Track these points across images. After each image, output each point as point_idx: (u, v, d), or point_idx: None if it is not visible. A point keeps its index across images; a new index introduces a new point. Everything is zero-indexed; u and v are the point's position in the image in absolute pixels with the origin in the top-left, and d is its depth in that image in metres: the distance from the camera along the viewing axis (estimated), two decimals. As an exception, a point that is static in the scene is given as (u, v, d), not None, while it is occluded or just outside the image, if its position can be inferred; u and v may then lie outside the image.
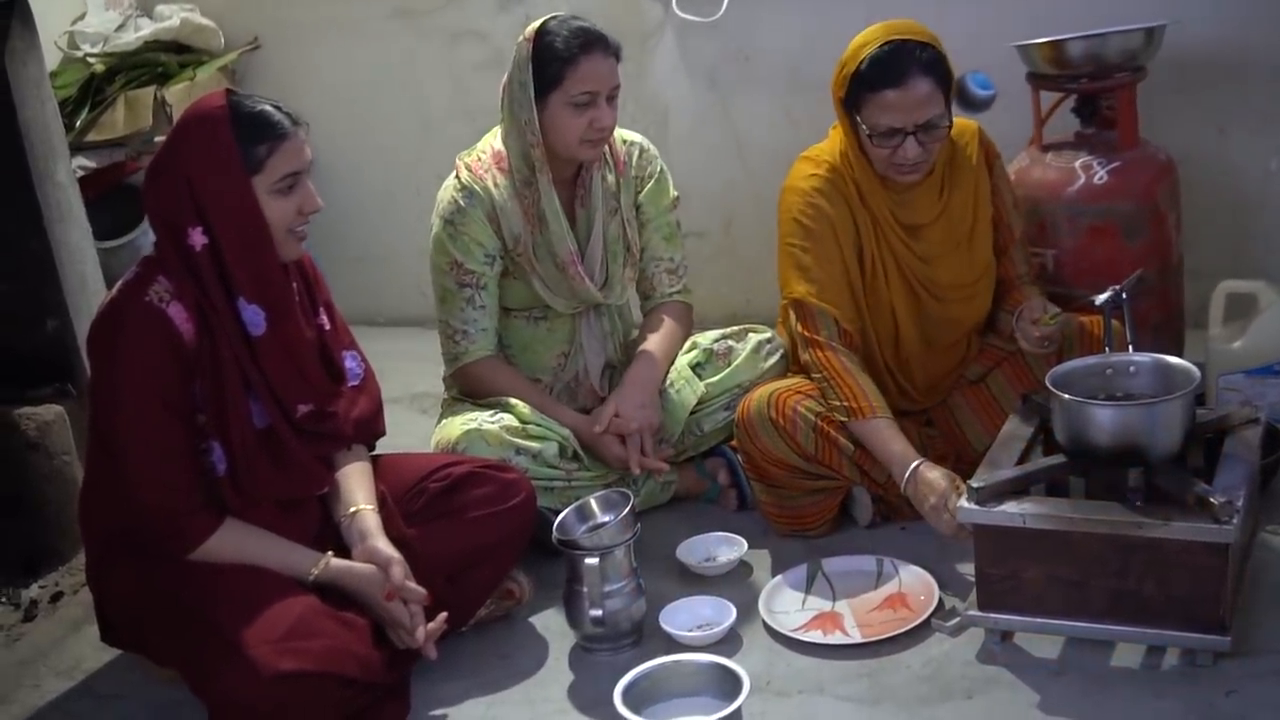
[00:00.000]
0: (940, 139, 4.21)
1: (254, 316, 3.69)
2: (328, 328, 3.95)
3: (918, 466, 4.05)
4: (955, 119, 4.26)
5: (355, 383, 4.02)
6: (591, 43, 4.35)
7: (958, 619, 3.77)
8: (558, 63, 4.33)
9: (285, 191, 3.68)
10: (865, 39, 4.19)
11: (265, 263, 3.69)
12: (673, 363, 4.65)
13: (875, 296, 4.38)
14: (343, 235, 6.41)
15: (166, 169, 3.68)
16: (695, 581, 4.25)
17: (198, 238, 3.62)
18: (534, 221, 4.49)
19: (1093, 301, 4.01)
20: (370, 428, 4.07)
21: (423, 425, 4.99)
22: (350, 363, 4.02)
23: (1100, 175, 4.64)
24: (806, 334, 4.30)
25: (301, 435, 3.83)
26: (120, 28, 6.28)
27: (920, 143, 4.15)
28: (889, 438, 4.14)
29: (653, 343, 4.62)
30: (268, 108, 3.68)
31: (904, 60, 4.12)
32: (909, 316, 4.40)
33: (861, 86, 4.16)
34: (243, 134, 3.62)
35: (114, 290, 3.73)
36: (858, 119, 4.20)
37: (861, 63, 4.15)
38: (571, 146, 4.40)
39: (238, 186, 3.63)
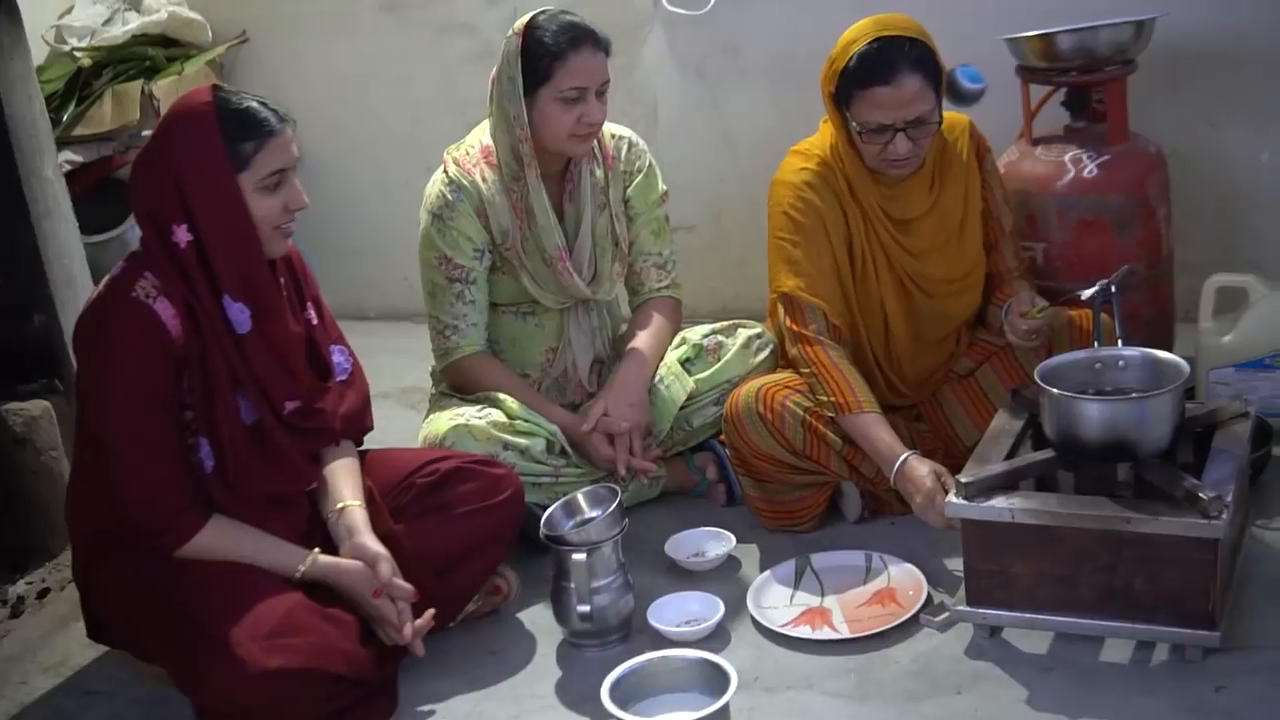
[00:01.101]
0: (930, 134, 4.20)
1: (239, 314, 3.67)
2: (315, 323, 3.93)
3: (905, 460, 4.04)
4: (946, 113, 4.25)
5: (343, 378, 4.02)
6: (581, 38, 4.33)
7: (946, 614, 3.77)
8: (547, 58, 4.32)
9: (271, 189, 3.66)
10: (854, 35, 4.18)
11: (250, 260, 3.67)
12: (662, 359, 4.63)
13: (865, 291, 4.37)
14: (331, 229, 6.40)
15: (152, 165, 3.66)
16: (683, 577, 4.25)
17: (182, 234, 3.61)
18: (522, 216, 4.48)
19: (1080, 296, 4.01)
20: (358, 423, 4.07)
21: (411, 420, 4.98)
22: (338, 358, 4.01)
23: (1090, 169, 4.64)
24: (795, 328, 4.29)
25: (290, 431, 3.82)
26: (107, 22, 6.26)
27: (910, 139, 4.14)
28: (877, 433, 4.13)
29: (642, 340, 4.61)
30: (254, 104, 3.66)
31: (893, 57, 4.11)
32: (899, 311, 4.39)
33: (851, 83, 4.15)
34: (229, 131, 3.61)
35: (100, 286, 3.72)
36: (847, 115, 4.19)
37: (850, 59, 4.14)
38: (561, 141, 4.39)
39: (224, 183, 3.61)
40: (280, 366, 3.76)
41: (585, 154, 4.50)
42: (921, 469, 4.00)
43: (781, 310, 4.34)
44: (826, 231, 4.30)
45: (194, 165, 3.60)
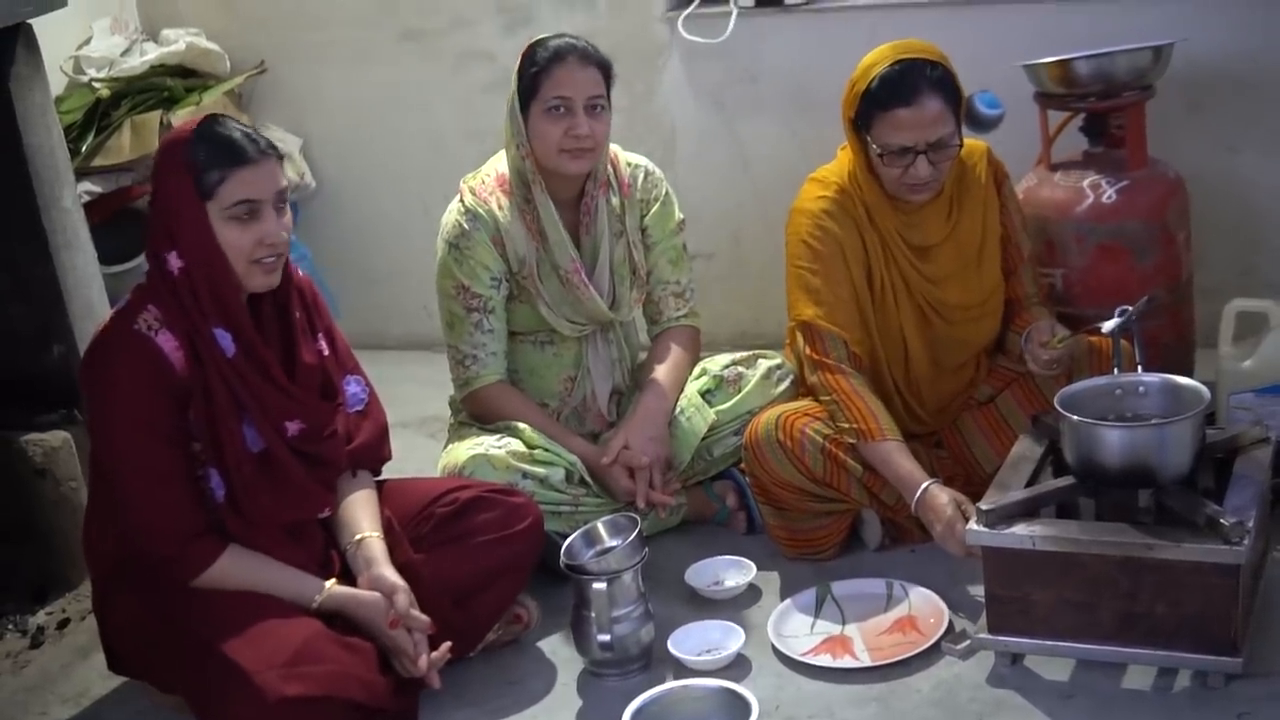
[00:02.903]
0: (951, 157, 4.20)
1: (223, 338, 3.69)
2: (327, 353, 3.94)
3: (927, 488, 4.03)
4: (964, 139, 4.25)
5: (359, 408, 4.02)
6: (566, 51, 4.38)
7: (968, 642, 3.76)
8: (535, 69, 4.38)
9: (242, 220, 3.65)
10: (875, 58, 4.19)
11: (225, 289, 3.69)
12: (682, 390, 4.63)
13: (884, 318, 4.37)
14: (350, 257, 6.41)
15: (149, 193, 3.74)
16: (704, 605, 4.24)
17: (174, 262, 3.64)
18: (538, 239, 4.48)
19: (1101, 329, 4.00)
20: (375, 453, 4.08)
21: (431, 449, 4.97)
22: (354, 388, 4.01)
23: (1109, 194, 4.63)
24: (815, 356, 4.28)
25: (298, 456, 3.82)
26: (126, 52, 6.26)
27: (931, 162, 4.14)
28: (898, 460, 4.13)
29: (661, 372, 4.61)
30: (236, 134, 3.67)
31: (915, 79, 4.12)
32: (918, 338, 4.39)
33: (872, 105, 4.16)
34: (199, 158, 3.63)
35: (105, 319, 3.75)
36: (868, 139, 4.19)
37: (872, 81, 4.15)
38: (551, 156, 4.40)
39: (192, 212, 3.63)
40: (271, 385, 3.76)
41: (582, 172, 4.48)
42: (942, 497, 3.99)
43: (800, 338, 4.33)
44: (845, 259, 4.30)
45: (169, 192, 3.67)
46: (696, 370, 4.71)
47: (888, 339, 4.39)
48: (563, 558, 3.99)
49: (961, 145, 4.23)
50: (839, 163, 4.40)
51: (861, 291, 4.34)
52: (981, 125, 4.36)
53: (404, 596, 3.75)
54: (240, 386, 3.70)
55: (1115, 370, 3.95)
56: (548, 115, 4.37)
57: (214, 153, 3.63)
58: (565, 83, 4.36)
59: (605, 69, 4.44)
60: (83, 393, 3.78)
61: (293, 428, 3.81)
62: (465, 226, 4.48)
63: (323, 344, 3.93)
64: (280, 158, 3.76)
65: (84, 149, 5.84)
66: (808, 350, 4.31)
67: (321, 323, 3.97)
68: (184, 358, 3.65)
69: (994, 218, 4.41)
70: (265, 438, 3.76)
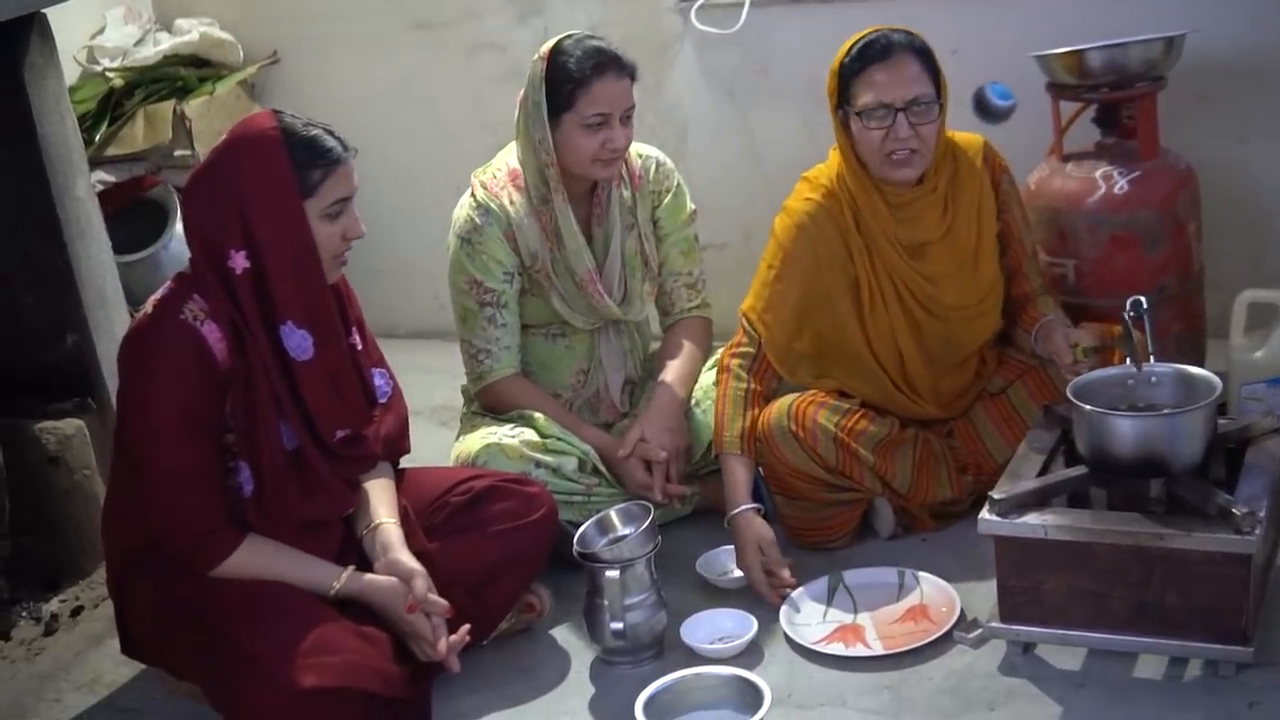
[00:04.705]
0: (931, 120, 4.17)
1: (302, 341, 3.69)
2: (359, 347, 3.94)
3: (744, 512, 4.20)
4: (961, 134, 4.28)
5: (383, 400, 4.02)
6: (604, 64, 4.35)
7: (979, 631, 3.77)
8: (570, 84, 4.33)
9: (333, 217, 3.71)
10: (852, 38, 4.25)
11: (315, 286, 3.71)
12: (696, 380, 4.64)
13: (874, 321, 4.36)
14: (361, 248, 6.29)
15: (212, 189, 3.68)
16: (716, 594, 4.24)
17: (240, 261, 3.62)
18: (552, 239, 4.49)
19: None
20: (396, 445, 4.08)
21: (443, 438, 4.98)
22: (379, 380, 4.01)
23: (1121, 185, 4.63)
24: (730, 349, 4.41)
25: (331, 458, 3.83)
26: (139, 42, 6.28)
27: (911, 124, 4.13)
28: (733, 470, 4.28)
29: (674, 364, 4.63)
30: (320, 132, 3.70)
31: (889, 42, 4.18)
32: (910, 340, 4.37)
33: (849, 72, 4.20)
34: (298, 157, 3.63)
35: (147, 306, 3.73)
36: (850, 115, 4.20)
37: (849, 52, 4.21)
38: (584, 165, 4.40)
39: (291, 210, 3.64)
40: (335, 396, 3.78)
41: (611, 177, 4.50)
42: (749, 532, 4.16)
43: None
44: (817, 263, 4.33)
45: (261, 191, 3.62)
46: (710, 361, 4.70)
47: (880, 341, 4.38)
48: (575, 546, 4.00)
49: (943, 108, 4.22)
50: (830, 163, 4.40)
51: (839, 297, 4.36)
52: (993, 116, 4.37)
53: (422, 581, 3.75)
54: (288, 391, 3.71)
55: (1127, 360, 3.95)
56: (585, 129, 4.36)
57: (313, 151, 3.66)
58: (605, 99, 4.35)
59: (634, 75, 4.44)
60: (120, 376, 3.75)
61: (340, 434, 3.83)
62: (477, 221, 4.49)
63: (356, 338, 3.94)
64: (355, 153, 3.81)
65: (97, 138, 5.86)
66: (733, 340, 4.42)
67: (353, 315, 3.98)
68: (226, 349, 3.65)
69: (990, 214, 4.39)
70: (300, 440, 3.76)
